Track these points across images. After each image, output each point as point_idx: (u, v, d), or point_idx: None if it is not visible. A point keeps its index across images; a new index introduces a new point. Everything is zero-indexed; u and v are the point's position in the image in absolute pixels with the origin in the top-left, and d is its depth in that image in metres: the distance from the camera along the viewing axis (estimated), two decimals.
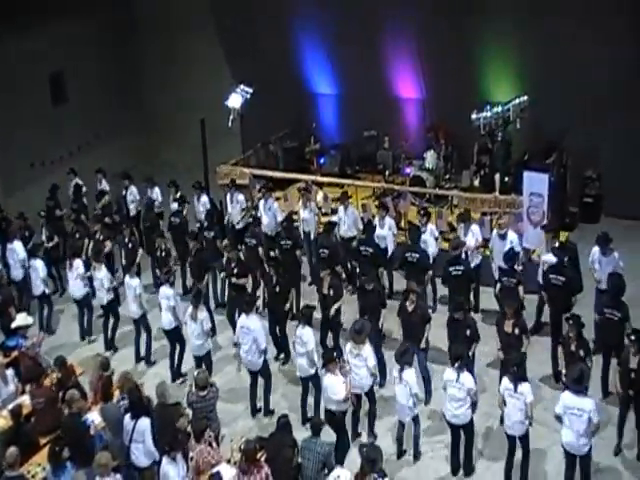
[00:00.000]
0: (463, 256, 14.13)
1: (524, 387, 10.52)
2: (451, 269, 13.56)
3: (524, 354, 11.65)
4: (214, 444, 10.50)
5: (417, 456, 11.72)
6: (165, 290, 13.71)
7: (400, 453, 11.77)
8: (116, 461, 10.28)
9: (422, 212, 15.29)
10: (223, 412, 12.15)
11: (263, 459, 9.99)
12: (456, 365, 10.90)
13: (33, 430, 11.29)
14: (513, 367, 10.66)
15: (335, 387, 11.14)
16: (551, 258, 13.43)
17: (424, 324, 12.46)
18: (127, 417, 10.67)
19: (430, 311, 13.59)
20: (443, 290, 14.53)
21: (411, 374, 11.23)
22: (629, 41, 16.22)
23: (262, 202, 16.84)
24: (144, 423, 10.50)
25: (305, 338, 12.03)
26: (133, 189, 18.28)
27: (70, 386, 11.53)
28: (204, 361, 13.18)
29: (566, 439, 10.38)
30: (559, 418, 10.41)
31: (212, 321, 14.40)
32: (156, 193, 17.98)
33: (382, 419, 12.32)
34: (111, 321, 14.92)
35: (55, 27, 19.57)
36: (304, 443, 10.23)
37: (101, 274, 14.61)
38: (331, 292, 13.42)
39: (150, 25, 21.84)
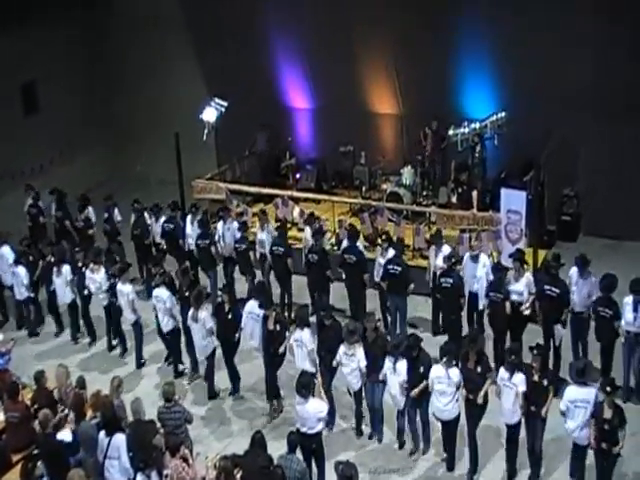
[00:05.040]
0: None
1: (517, 378, 10.71)
2: (442, 280, 13.60)
3: (521, 343, 11.81)
4: (190, 460, 10.29)
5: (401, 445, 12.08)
6: (160, 292, 13.56)
7: (402, 443, 12.12)
8: (89, 479, 10.00)
9: (383, 237, 14.85)
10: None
11: (239, 476, 9.76)
12: (444, 360, 11.04)
13: (6, 447, 11.07)
14: (511, 356, 10.81)
15: (318, 407, 10.89)
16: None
17: (384, 356, 11.85)
18: (102, 433, 10.47)
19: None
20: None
21: (403, 365, 11.40)
22: (610, 61, 16.32)
23: (220, 223, 16.42)
24: (119, 439, 10.32)
25: (305, 340, 12.14)
26: (89, 210, 17.63)
27: (44, 405, 11.27)
28: (208, 362, 13.28)
29: (570, 431, 10.59)
30: (564, 414, 10.56)
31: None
32: (116, 214, 17.52)
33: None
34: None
35: (27, 37, 19.31)
36: (280, 460, 10.04)
37: (100, 276, 14.56)
38: (277, 327, 12.85)
39: (124, 37, 21.63)
